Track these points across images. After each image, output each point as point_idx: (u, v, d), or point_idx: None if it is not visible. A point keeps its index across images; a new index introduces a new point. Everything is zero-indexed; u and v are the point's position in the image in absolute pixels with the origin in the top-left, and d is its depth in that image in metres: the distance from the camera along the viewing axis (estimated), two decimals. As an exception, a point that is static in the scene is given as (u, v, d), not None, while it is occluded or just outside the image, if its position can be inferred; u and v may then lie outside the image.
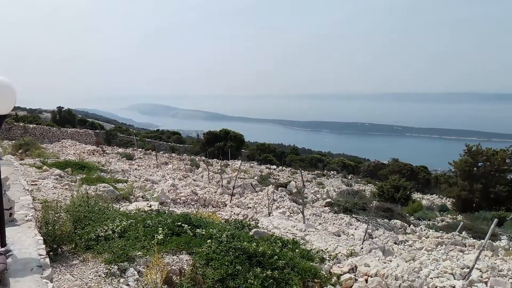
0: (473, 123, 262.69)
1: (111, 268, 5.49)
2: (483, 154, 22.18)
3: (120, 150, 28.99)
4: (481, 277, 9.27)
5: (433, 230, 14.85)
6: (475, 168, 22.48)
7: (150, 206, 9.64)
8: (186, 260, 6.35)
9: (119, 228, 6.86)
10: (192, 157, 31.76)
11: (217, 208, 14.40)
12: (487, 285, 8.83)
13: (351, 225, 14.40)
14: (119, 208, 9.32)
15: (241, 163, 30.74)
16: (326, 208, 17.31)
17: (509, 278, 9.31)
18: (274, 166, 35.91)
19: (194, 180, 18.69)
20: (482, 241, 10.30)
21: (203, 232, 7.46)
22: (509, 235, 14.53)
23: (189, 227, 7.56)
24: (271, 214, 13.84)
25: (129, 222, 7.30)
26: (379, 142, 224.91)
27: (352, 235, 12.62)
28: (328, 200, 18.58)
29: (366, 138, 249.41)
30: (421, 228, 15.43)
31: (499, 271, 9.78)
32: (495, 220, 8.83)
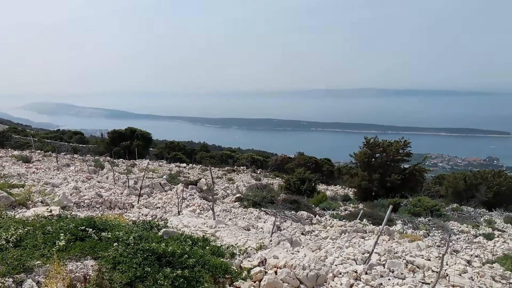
0: (372, 117, 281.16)
1: (5, 282, 5.08)
2: (380, 146, 23.91)
3: (16, 152, 26.85)
4: (380, 260, 9.97)
5: (337, 219, 15.68)
6: (373, 159, 24.15)
7: (51, 211, 9.05)
8: (92, 266, 6.08)
9: (14, 237, 6.36)
10: (96, 157, 30.35)
11: (124, 210, 13.94)
12: (384, 267, 9.52)
13: (260, 218, 14.73)
14: (14, 215, 8.66)
15: (148, 162, 30.00)
16: (236, 203, 17.51)
17: (403, 259, 10.13)
18: (184, 164, 35.55)
19: (99, 182, 17.90)
20: (380, 227, 11.09)
21: (109, 236, 7.19)
22: (403, 220, 15.79)
23: (94, 231, 7.24)
24: (181, 213, 13.70)
25: (26, 229, 6.80)
26: (286, 137, 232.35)
27: (261, 228, 12.90)
28: (238, 195, 18.82)
29: (274, 134, 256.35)
30: (326, 218, 16.22)
31: (394, 253, 10.59)
32: (390, 207, 9.56)
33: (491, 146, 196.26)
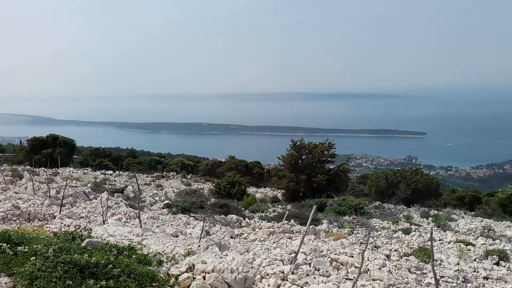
0: (300, 120, 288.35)
1: None
2: (306, 148, 24.65)
3: None
4: (306, 259, 10.25)
5: (266, 221, 15.91)
6: (300, 161, 24.83)
7: (-42, 228, 8.41)
8: (5, 283, 5.73)
9: None
10: (14, 167, 28.50)
11: (45, 222, 13.23)
12: (310, 266, 9.79)
13: (189, 224, 14.60)
14: None
15: (72, 170, 28.69)
16: (164, 210, 17.24)
17: (328, 257, 10.49)
18: (110, 171, 34.39)
19: (16, 193, 16.83)
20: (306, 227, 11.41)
21: (26, 250, 6.81)
22: (329, 219, 16.37)
23: (9, 245, 6.84)
24: (106, 222, 13.24)
25: None
26: (217, 141, 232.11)
27: (190, 234, 12.80)
28: (167, 201, 18.54)
29: (205, 138, 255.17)
30: (255, 220, 16.41)
31: (320, 252, 10.95)
32: (314, 207, 9.88)
33: (408, 146, 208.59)
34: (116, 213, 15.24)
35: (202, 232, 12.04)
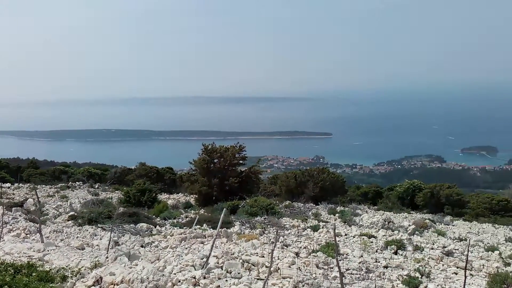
0: (214, 124, 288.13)
1: None
2: (217, 152, 24.76)
3: None
4: (218, 263, 10.25)
5: (178, 228, 15.69)
6: (212, 165, 24.86)
7: None
8: None
9: None
10: None
11: None
12: (222, 269, 9.81)
13: (96, 235, 13.96)
14: None
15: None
16: (69, 222, 16.31)
17: (240, 259, 10.59)
18: (8, 184, 31.79)
19: None
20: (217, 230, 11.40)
21: None
22: (241, 221, 16.53)
23: None
24: (2, 239, 12.21)
25: None
26: (127, 148, 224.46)
27: (97, 246, 12.24)
28: (72, 213, 17.55)
29: (114, 144, 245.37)
30: (166, 227, 16.11)
31: (232, 254, 11.01)
32: (224, 210, 9.94)
33: (315, 146, 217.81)
34: (14, 228, 14.14)
35: (110, 243, 11.57)
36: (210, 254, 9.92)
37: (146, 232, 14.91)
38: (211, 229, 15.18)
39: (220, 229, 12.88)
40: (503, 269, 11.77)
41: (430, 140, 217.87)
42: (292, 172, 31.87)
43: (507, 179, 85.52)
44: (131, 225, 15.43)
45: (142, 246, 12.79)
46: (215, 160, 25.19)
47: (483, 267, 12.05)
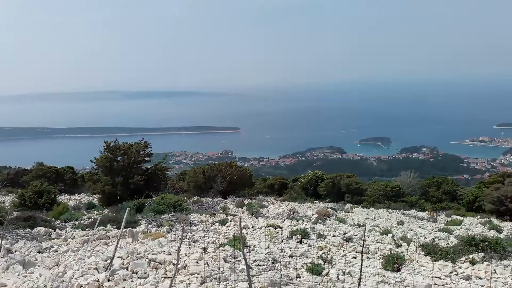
0: (119, 120, 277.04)
1: None
2: (121, 149, 23.82)
3: None
4: (123, 264, 9.92)
5: (80, 230, 14.90)
6: (115, 163, 23.87)
7: None
8: None
9: None
10: None
11: None
12: (128, 270, 9.52)
13: (-15, 244, 12.76)
14: None
15: None
16: (-47, 231, 14.74)
17: (146, 258, 10.34)
18: None
19: None
20: (121, 230, 11.02)
21: None
22: (148, 219, 16.14)
23: None
24: None
25: None
26: (23, 147, 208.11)
27: (-14, 256, 11.20)
28: (-44, 221, 15.87)
29: (7, 144, 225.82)
30: (67, 230, 15.22)
31: (137, 254, 10.71)
32: (128, 209, 9.63)
33: (223, 140, 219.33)
34: None
35: (0, 251, 10.66)
36: (114, 255, 9.57)
37: (44, 237, 13.95)
38: (115, 229, 14.62)
39: (125, 229, 12.46)
40: (395, 250, 12.78)
41: (332, 133, 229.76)
42: (200, 168, 31.74)
43: (399, 167, 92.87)
44: (27, 230, 14.33)
45: (39, 252, 11.94)
46: (119, 158, 24.23)
47: (378, 250, 12.99)
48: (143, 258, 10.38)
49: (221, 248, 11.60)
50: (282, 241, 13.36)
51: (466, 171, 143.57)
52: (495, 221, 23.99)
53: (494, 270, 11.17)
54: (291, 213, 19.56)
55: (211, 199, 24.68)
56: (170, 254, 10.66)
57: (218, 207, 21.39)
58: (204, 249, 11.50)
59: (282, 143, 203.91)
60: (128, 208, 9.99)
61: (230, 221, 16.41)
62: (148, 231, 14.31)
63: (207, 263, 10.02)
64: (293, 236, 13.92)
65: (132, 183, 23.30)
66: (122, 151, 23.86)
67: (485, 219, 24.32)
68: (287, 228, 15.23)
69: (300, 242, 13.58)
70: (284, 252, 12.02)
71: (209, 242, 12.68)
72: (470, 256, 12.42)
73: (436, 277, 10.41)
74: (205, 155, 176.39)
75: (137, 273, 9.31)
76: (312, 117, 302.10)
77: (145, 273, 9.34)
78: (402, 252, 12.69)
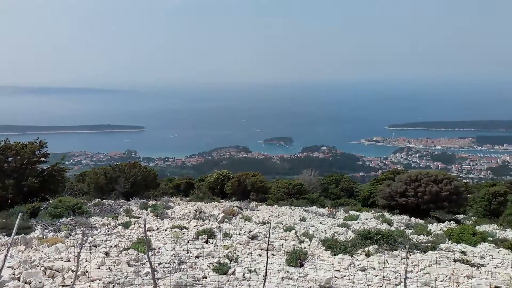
0: (8, 118, 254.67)
1: None
2: (12, 149, 21.92)
3: None
4: (14, 274, 9.18)
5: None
6: (6, 164, 21.90)
7: None
8: None
9: None
10: None
11: None
12: (20, 281, 8.83)
13: None
14: None
15: None
16: None
17: (41, 267, 9.65)
18: None
19: None
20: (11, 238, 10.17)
21: None
22: (43, 224, 15.06)
23: None
24: None
25: None
26: None
27: None
28: None
29: None
30: None
31: (31, 262, 9.96)
32: (20, 214, 8.87)
33: (125, 140, 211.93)
34: None
35: None
36: (3, 265, 8.78)
37: None
38: (6, 236, 13.44)
39: (16, 236, 11.52)
40: (298, 246, 13.29)
41: (238, 133, 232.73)
42: (101, 168, 30.29)
43: (301, 165, 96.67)
44: None
45: None
46: (10, 159, 22.26)
47: (283, 246, 13.41)
48: (38, 266, 9.70)
49: (124, 251, 11.20)
50: (188, 242, 13.25)
51: (362, 169, 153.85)
52: (387, 215, 25.95)
53: (386, 260, 12.09)
54: (198, 213, 19.46)
55: (113, 201, 23.65)
56: (69, 261, 10.07)
57: (121, 210, 20.59)
58: (107, 254, 11.02)
59: (188, 143, 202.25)
60: (20, 213, 9.22)
61: (134, 223, 15.90)
62: (44, 237, 13.35)
63: (109, 268, 9.61)
64: (200, 236, 13.88)
65: (25, 185, 21.52)
66: (14, 151, 21.94)
67: (378, 213, 26.22)
68: (193, 229, 15.14)
69: (207, 242, 13.57)
70: (190, 253, 11.93)
71: (111, 246, 12.17)
72: (366, 249, 13.32)
73: (336, 270, 11.00)
74: (107, 155, 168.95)
75: (30, 283, 8.68)
76: (219, 116, 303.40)
77: (40, 282, 8.74)
78: (304, 247, 13.22)
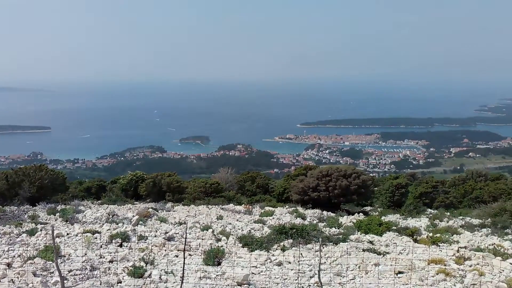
0: None
1: None
2: None
3: None
4: None
5: None
6: None
7: None
8: None
9: None
10: None
11: None
12: None
13: None
14: None
15: None
16: None
17: None
18: None
19: None
20: None
21: None
22: None
23: None
24: None
25: None
26: None
27: None
28: None
29: None
30: None
31: None
32: None
33: (28, 142, 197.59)
34: None
35: None
36: None
37: None
38: None
39: None
40: (215, 245, 13.31)
41: (152, 132, 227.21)
42: (2, 172, 27.98)
43: (218, 164, 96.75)
44: None
45: None
46: None
47: (200, 246, 13.35)
48: None
49: (29, 261, 10.47)
50: (101, 247, 12.72)
51: (276, 165, 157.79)
52: (300, 209, 26.86)
53: (301, 254, 12.51)
54: (111, 216, 18.75)
55: (16, 207, 22.00)
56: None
57: (26, 216, 19.22)
58: (9, 265, 10.22)
59: (99, 143, 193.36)
60: None
61: (41, 230, 14.91)
62: None
63: (12, 280, 8.93)
64: (113, 240, 13.37)
65: None
66: None
67: (292, 208, 27.03)
68: (106, 233, 14.54)
69: (121, 245, 13.12)
70: (104, 258, 11.46)
71: (14, 256, 11.31)
72: (281, 244, 13.68)
73: (253, 267, 11.18)
74: (8, 158, 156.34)
75: None
76: (131, 116, 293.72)
77: None
78: (222, 246, 13.26)
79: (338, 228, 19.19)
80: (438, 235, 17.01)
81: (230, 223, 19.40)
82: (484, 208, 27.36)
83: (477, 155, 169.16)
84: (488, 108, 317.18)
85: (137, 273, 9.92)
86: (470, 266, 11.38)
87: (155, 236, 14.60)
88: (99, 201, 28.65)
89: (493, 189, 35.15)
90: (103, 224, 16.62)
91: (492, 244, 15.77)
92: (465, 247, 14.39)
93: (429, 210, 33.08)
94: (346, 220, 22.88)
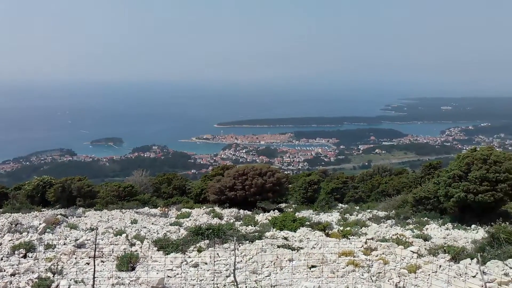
0: None
1: None
2: None
3: None
4: None
5: None
6: None
7: None
8: None
9: None
10: None
11: None
12: None
13: None
14: None
15: None
16: None
17: None
18: None
19: None
20: None
21: None
22: None
23: None
24: None
25: None
26: None
27: None
28: None
29: None
30: None
31: None
32: None
33: None
34: None
35: None
36: None
37: None
38: None
39: None
40: (129, 250, 12.91)
41: (62, 135, 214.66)
42: None
43: (132, 166, 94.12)
44: None
45: None
46: None
47: (113, 252, 12.86)
48: None
49: None
50: (2, 259, 11.78)
51: (194, 166, 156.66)
52: (217, 209, 26.92)
53: (217, 254, 12.54)
54: (13, 225, 17.39)
55: None
56: None
57: None
58: None
59: (1, 147, 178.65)
60: None
61: None
62: None
63: None
64: (16, 251, 12.43)
65: None
66: None
67: (209, 208, 27.01)
68: (7, 244, 13.48)
69: (25, 256, 12.24)
70: (5, 271, 10.62)
71: None
72: (198, 245, 13.60)
73: (169, 270, 11.00)
74: None
75: None
76: (39, 117, 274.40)
77: None
78: (136, 250, 12.90)
79: (254, 226, 19.49)
80: (348, 228, 17.97)
81: (145, 227, 18.91)
82: (389, 201, 29.37)
83: (383, 151, 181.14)
84: (392, 107, 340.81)
85: (42, 285, 9.34)
86: (377, 256, 12.13)
87: (64, 244, 13.81)
88: (0, 210, 26.53)
89: (397, 183, 37.83)
90: (4, 235, 15.39)
91: (396, 234, 16.94)
92: (372, 239, 15.29)
93: (340, 204, 34.78)
94: (262, 217, 23.30)
